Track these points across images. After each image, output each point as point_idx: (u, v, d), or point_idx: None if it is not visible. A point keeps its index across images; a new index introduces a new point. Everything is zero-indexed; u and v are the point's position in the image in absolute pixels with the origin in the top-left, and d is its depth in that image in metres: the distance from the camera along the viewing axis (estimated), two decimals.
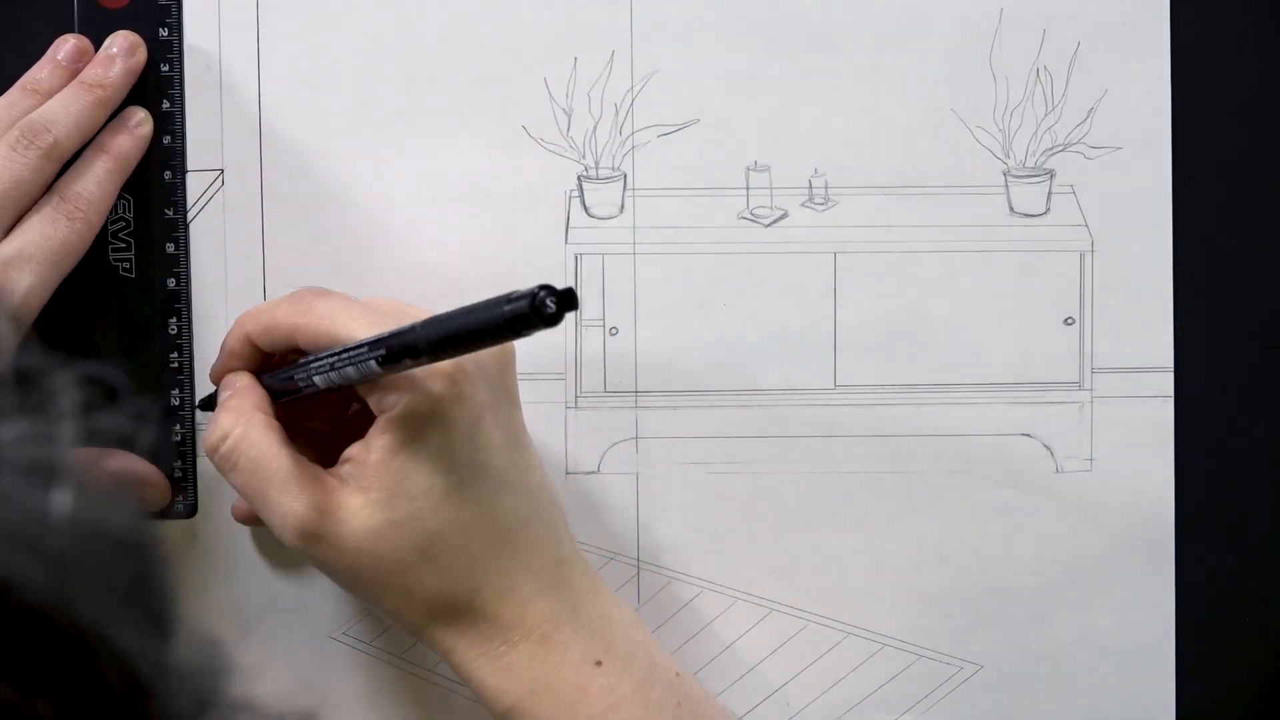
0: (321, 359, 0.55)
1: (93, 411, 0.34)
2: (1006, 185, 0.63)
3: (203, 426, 0.62)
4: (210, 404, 0.61)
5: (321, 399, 0.58)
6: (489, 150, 0.63)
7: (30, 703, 0.31)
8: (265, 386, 0.58)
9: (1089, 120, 0.63)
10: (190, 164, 0.63)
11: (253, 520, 0.61)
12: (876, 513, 0.63)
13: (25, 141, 0.57)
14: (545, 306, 0.47)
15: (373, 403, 0.54)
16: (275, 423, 0.56)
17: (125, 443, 0.37)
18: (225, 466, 0.56)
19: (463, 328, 0.49)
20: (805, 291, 0.63)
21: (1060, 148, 0.63)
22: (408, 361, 0.52)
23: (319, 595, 0.63)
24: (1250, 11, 0.63)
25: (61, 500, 0.32)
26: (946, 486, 0.63)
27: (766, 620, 0.64)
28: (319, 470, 0.55)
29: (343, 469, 0.55)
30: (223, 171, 0.63)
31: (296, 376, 0.56)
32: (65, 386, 0.34)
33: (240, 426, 0.56)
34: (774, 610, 0.64)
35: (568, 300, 0.47)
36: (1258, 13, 0.63)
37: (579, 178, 0.63)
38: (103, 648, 0.32)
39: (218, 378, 0.59)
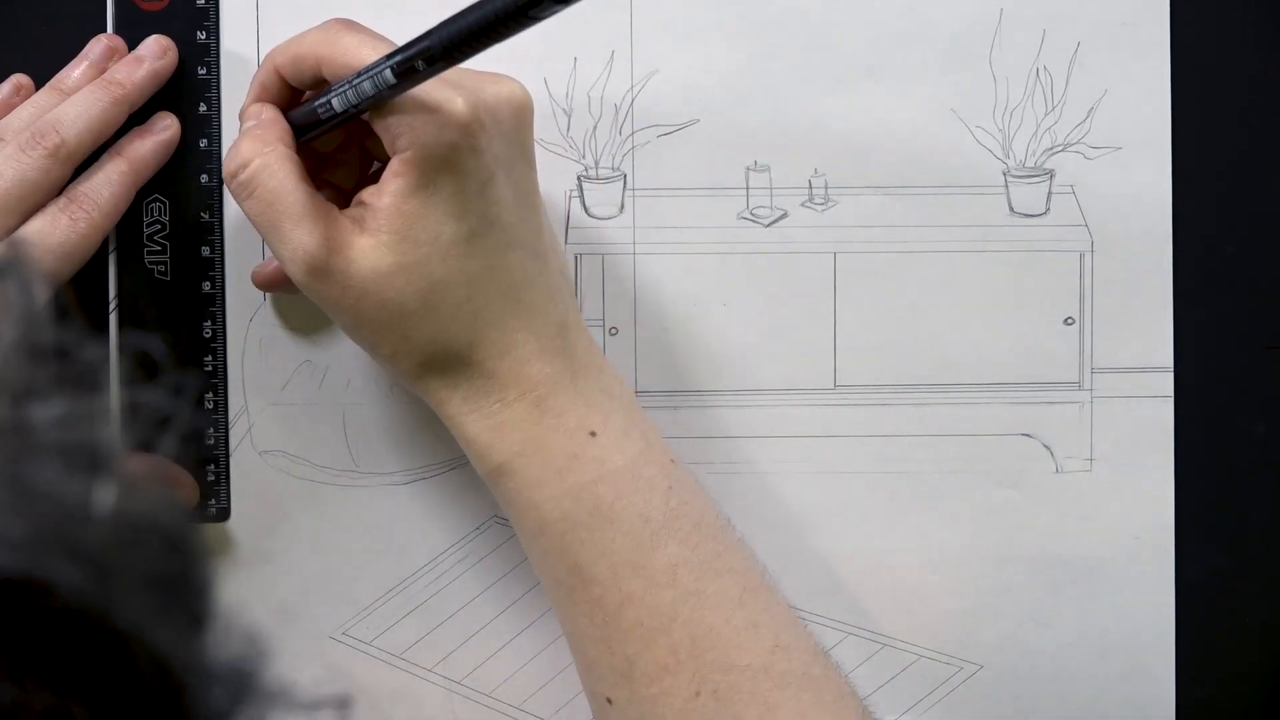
0: (342, 82, 0.54)
1: (134, 387, 0.34)
2: (1006, 185, 0.63)
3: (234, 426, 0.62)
4: None
5: (344, 155, 0.58)
6: None
7: (65, 705, 0.31)
8: (288, 121, 0.57)
9: (1089, 120, 0.63)
10: None
11: (274, 283, 0.60)
12: (876, 513, 0.63)
13: (33, 142, 0.57)
14: None
15: (387, 143, 0.54)
16: (294, 156, 0.56)
17: (166, 422, 0.36)
18: (242, 194, 0.55)
19: (477, 20, 0.49)
20: (805, 291, 0.63)
21: (1060, 148, 0.63)
22: (421, 64, 0.51)
23: (319, 595, 0.63)
24: (1250, 11, 0.63)
25: (104, 496, 0.31)
26: (946, 486, 0.63)
27: None
28: (333, 209, 0.55)
29: (354, 210, 0.55)
30: None
31: (317, 105, 0.55)
32: (103, 360, 0.33)
33: (260, 156, 0.55)
34: None
35: None
36: (1258, 13, 0.63)
37: (579, 178, 0.63)
38: (141, 648, 0.32)
39: (245, 114, 0.58)
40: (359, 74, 0.53)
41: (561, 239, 0.61)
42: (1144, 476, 0.63)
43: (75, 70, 0.60)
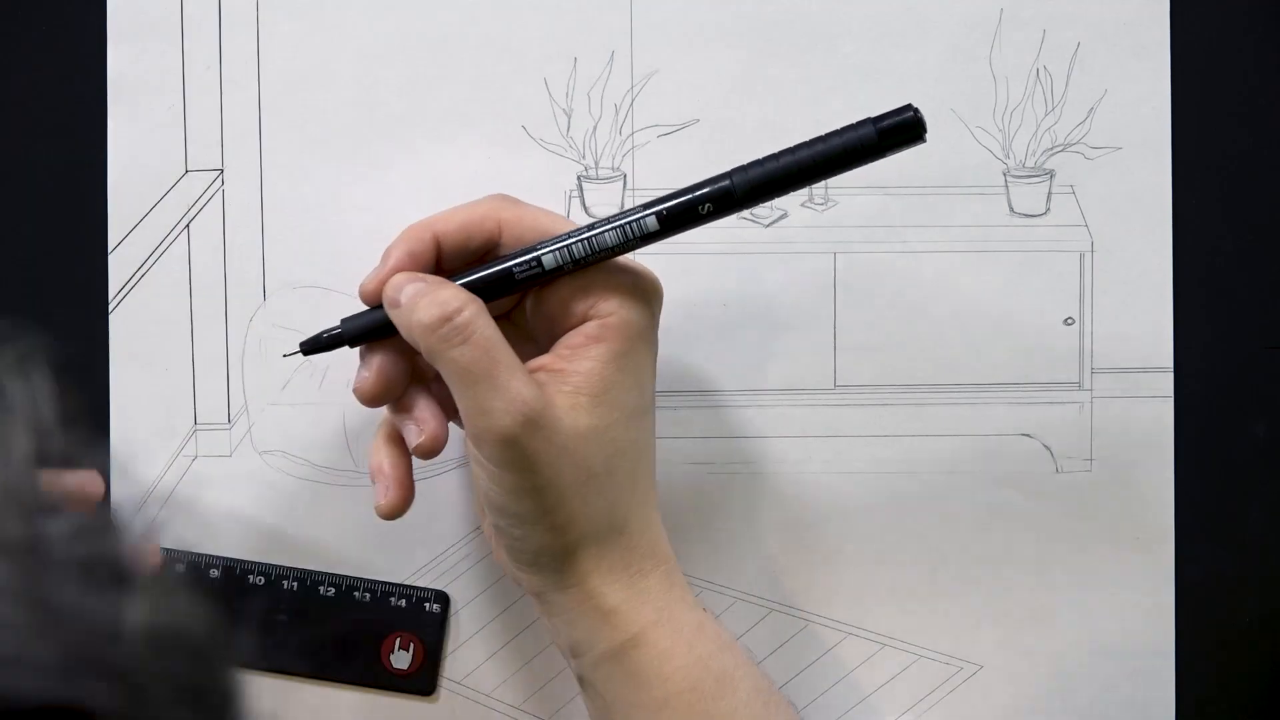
0: (569, 235, 0.54)
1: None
2: (1006, 185, 0.63)
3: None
4: (319, 345, 0.56)
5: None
6: (489, 150, 0.63)
7: None
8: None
9: (1089, 120, 0.63)
10: (190, 164, 0.63)
11: (385, 397, 0.56)
12: (876, 513, 0.63)
13: None
14: (922, 122, 0.51)
15: (578, 306, 0.54)
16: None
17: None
18: (456, 338, 0.52)
19: (824, 152, 0.52)
20: (805, 291, 0.63)
21: (1060, 148, 0.63)
22: (707, 208, 0.53)
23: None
24: (1250, 11, 0.63)
25: (131, 610, 0.31)
26: (946, 486, 0.63)
27: (766, 620, 0.64)
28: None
29: (537, 375, 0.54)
30: (223, 171, 0.63)
31: (515, 264, 0.54)
32: (105, 464, 0.33)
33: (471, 303, 0.53)
34: (774, 610, 0.64)
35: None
36: (1257, 13, 0.63)
37: (579, 178, 0.63)
38: None
39: (382, 283, 0.55)
40: (599, 223, 0.53)
41: None
42: (1144, 476, 0.63)
43: None
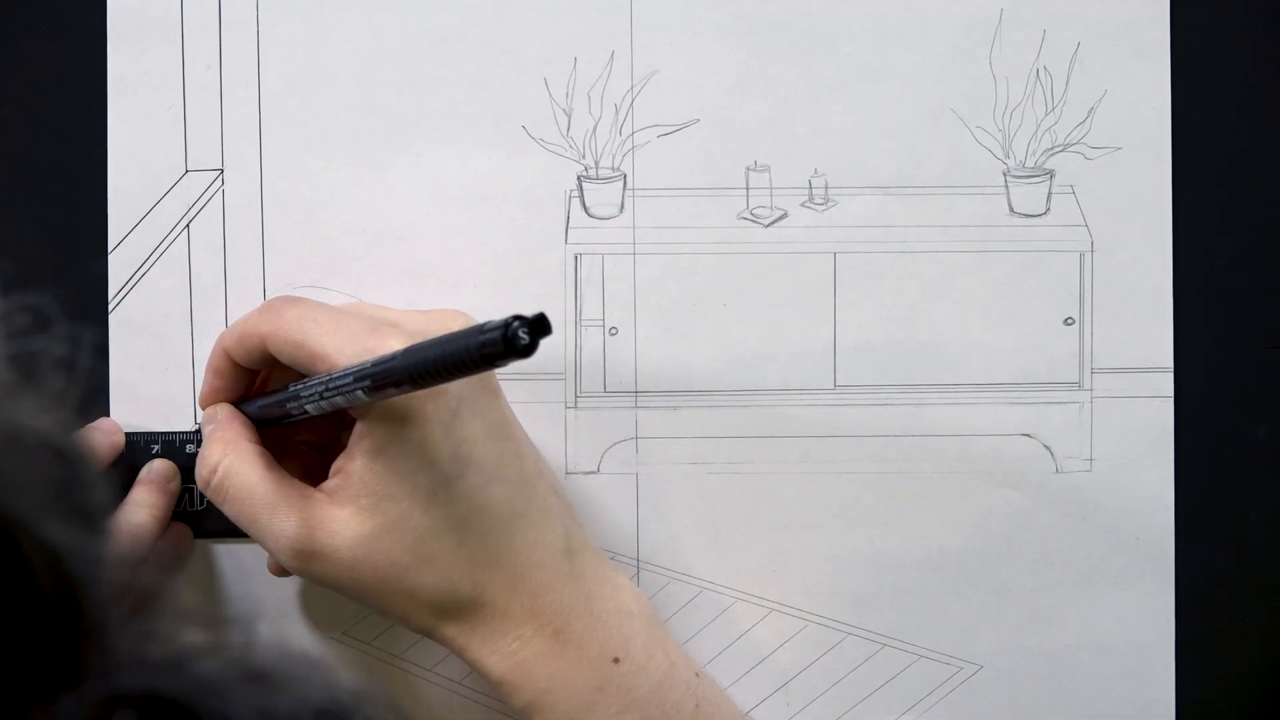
0: (311, 387, 0.54)
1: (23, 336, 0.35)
2: (1006, 185, 0.63)
3: None
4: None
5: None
6: (489, 150, 0.63)
7: None
8: (250, 415, 0.58)
9: (1089, 120, 0.63)
10: (190, 164, 0.63)
11: (283, 571, 0.60)
12: (876, 513, 0.63)
13: None
14: (518, 339, 0.47)
15: (350, 410, 0.54)
16: (260, 449, 0.57)
17: (61, 365, 0.37)
18: (218, 499, 0.56)
19: (439, 359, 0.49)
20: (805, 291, 0.63)
21: (1060, 148, 0.63)
22: (391, 390, 0.51)
23: (319, 595, 0.63)
24: (1250, 12, 0.63)
25: None
26: (946, 486, 0.63)
27: (766, 620, 0.64)
28: (306, 488, 0.56)
29: (330, 483, 0.55)
30: (223, 171, 0.63)
31: (289, 405, 0.56)
32: None
33: (226, 458, 0.56)
34: (774, 610, 0.64)
35: (540, 327, 0.47)
36: (1257, 13, 0.63)
37: (579, 178, 0.63)
38: (28, 539, 0.32)
39: (205, 403, 0.59)
40: (329, 385, 0.53)
41: (543, 458, 0.59)
42: (1144, 476, 0.63)
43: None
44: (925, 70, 0.63)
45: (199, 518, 0.62)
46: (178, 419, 0.63)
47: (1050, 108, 0.63)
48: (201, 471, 0.57)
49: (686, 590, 0.63)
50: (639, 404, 0.63)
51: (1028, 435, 0.63)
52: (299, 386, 0.56)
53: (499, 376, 0.57)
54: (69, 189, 0.63)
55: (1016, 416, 0.63)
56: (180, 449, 0.62)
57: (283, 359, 0.56)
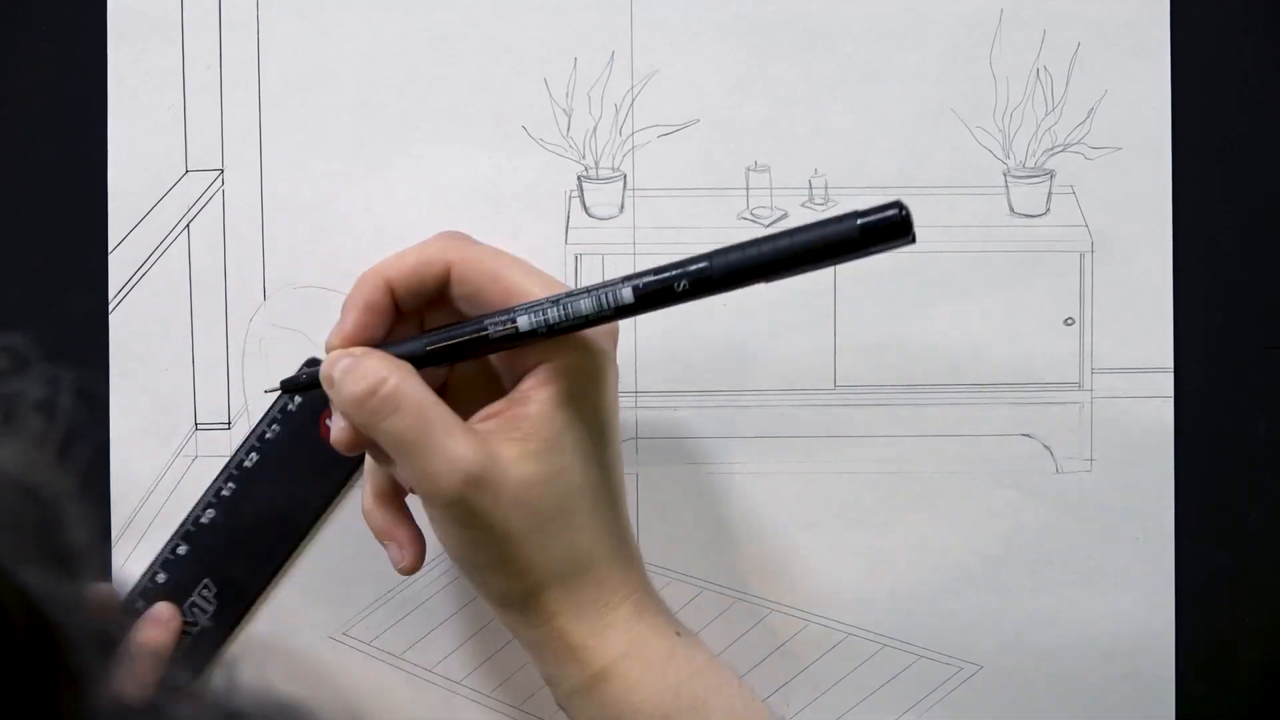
0: (531, 303, 0.53)
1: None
2: (1006, 185, 0.63)
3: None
4: (297, 385, 0.57)
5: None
6: (489, 151, 0.63)
7: None
8: (424, 353, 0.55)
9: (1089, 120, 0.63)
10: (190, 164, 0.63)
11: (363, 444, 0.55)
12: (876, 513, 0.63)
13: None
14: (906, 218, 0.48)
15: (534, 352, 0.54)
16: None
17: (40, 407, 0.36)
18: (385, 410, 0.52)
19: (807, 244, 0.50)
20: (805, 291, 0.63)
21: (1060, 148, 0.63)
22: (684, 285, 0.51)
23: (319, 595, 0.63)
24: (1250, 12, 0.63)
25: None
26: (946, 486, 0.63)
27: (766, 620, 0.64)
28: (468, 424, 0.54)
29: (489, 424, 0.54)
30: (223, 171, 0.63)
31: (489, 324, 0.53)
32: None
33: (395, 372, 0.52)
34: (774, 610, 0.64)
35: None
36: (1257, 13, 0.63)
37: (579, 178, 0.63)
38: (3, 583, 0.32)
39: (346, 343, 0.54)
40: (573, 292, 0.52)
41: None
42: (1144, 476, 0.63)
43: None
44: (925, 70, 0.63)
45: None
46: (178, 419, 0.63)
47: (1050, 108, 0.63)
48: (359, 385, 0.52)
49: (686, 590, 0.63)
50: (639, 404, 0.63)
51: (1028, 435, 0.63)
52: (493, 313, 0.53)
53: None
54: (69, 189, 0.63)
55: (1016, 416, 0.63)
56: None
57: (465, 290, 0.54)
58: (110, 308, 0.63)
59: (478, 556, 0.54)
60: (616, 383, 0.56)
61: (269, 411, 0.63)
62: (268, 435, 0.62)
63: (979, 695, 0.64)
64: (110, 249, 0.63)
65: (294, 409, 0.62)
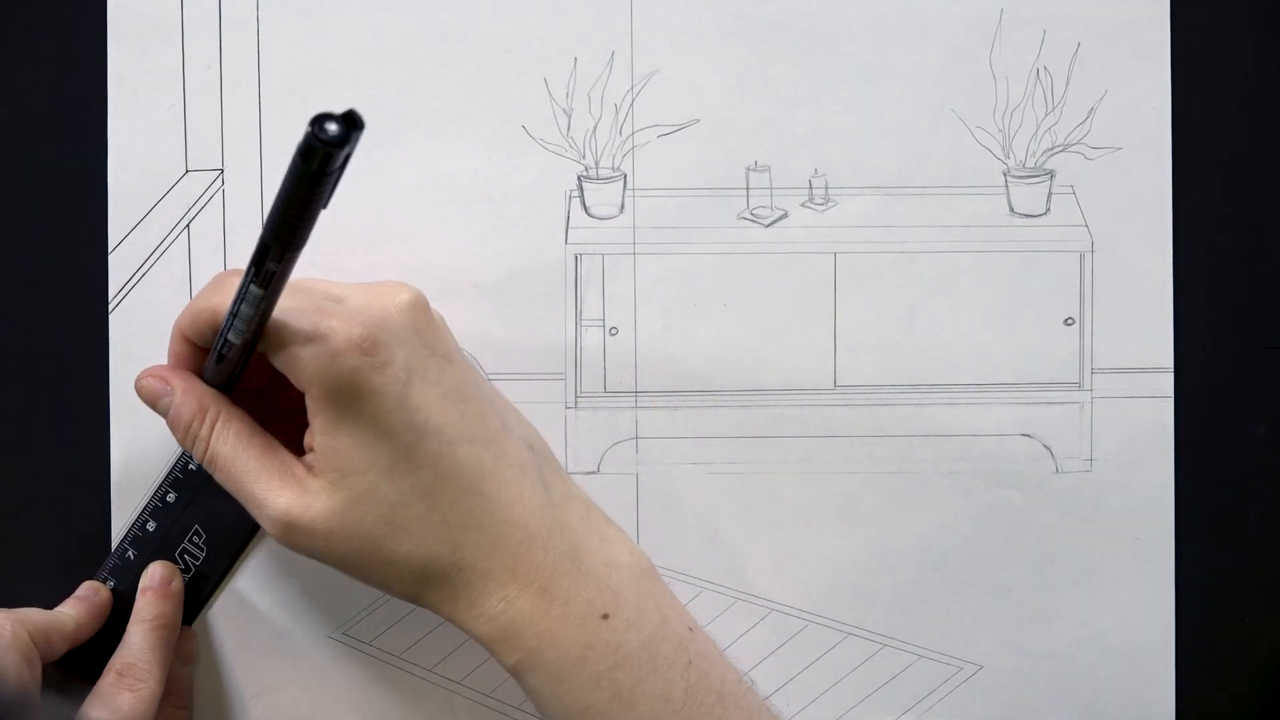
0: (227, 316, 0.54)
1: None
2: (1006, 185, 0.63)
3: None
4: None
5: (284, 382, 0.57)
6: (489, 150, 0.63)
7: None
8: (208, 381, 0.58)
9: (1089, 120, 0.63)
10: (190, 164, 0.63)
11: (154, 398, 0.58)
12: (876, 513, 0.63)
13: (121, 685, 0.59)
14: (323, 131, 0.46)
15: (295, 382, 0.54)
16: (236, 410, 0.57)
17: None
18: (207, 466, 0.57)
19: (280, 194, 0.49)
20: (805, 291, 0.63)
21: (1060, 148, 0.63)
22: (271, 265, 0.51)
23: (319, 595, 0.63)
24: (1250, 11, 0.63)
25: None
26: (946, 486, 0.63)
27: (766, 620, 0.64)
28: (289, 458, 0.56)
29: (307, 456, 0.55)
30: (223, 171, 0.63)
31: (219, 347, 0.55)
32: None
33: (206, 423, 0.56)
34: (774, 610, 0.64)
35: (351, 121, 0.46)
36: (1257, 13, 0.63)
37: (579, 178, 0.63)
38: None
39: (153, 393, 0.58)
40: (234, 301, 0.53)
41: (515, 412, 0.59)
42: (1144, 476, 0.63)
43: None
44: (925, 70, 0.63)
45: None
46: None
47: (1050, 108, 0.63)
48: (177, 429, 0.57)
49: (687, 590, 0.63)
50: (639, 404, 0.63)
51: (1028, 435, 0.63)
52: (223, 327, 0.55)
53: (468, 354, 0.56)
54: (69, 189, 0.63)
55: (1016, 416, 0.63)
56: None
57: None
58: (110, 308, 0.63)
59: (347, 574, 0.56)
60: (410, 375, 0.54)
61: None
62: None
63: (979, 695, 0.64)
64: (110, 249, 0.63)
65: None
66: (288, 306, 0.54)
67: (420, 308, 0.55)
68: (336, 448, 0.54)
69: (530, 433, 0.58)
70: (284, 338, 0.53)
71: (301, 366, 0.53)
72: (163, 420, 0.61)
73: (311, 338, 0.53)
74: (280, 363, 0.54)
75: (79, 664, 0.61)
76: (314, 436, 0.54)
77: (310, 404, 0.54)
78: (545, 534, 0.55)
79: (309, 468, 0.55)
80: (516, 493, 0.55)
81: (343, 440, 0.54)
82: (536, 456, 0.57)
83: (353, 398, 0.53)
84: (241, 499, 0.56)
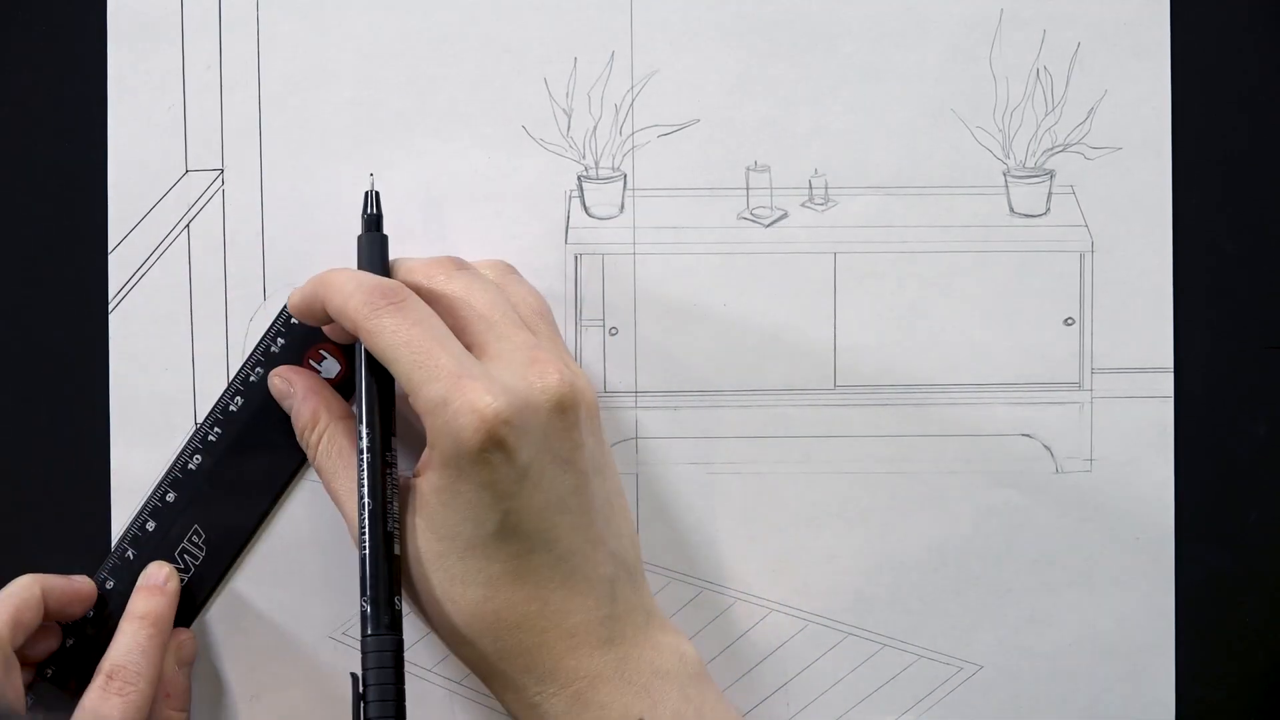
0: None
1: None
2: (1006, 185, 0.63)
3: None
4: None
5: None
6: (489, 150, 0.63)
7: None
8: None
9: (1089, 120, 0.63)
10: (190, 164, 0.63)
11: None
12: (876, 513, 0.63)
13: (110, 688, 0.59)
14: None
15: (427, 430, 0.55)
16: (347, 427, 0.59)
17: None
18: (316, 472, 0.60)
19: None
20: (805, 291, 0.63)
21: (1060, 148, 0.63)
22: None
23: (318, 595, 0.63)
24: (1250, 11, 0.63)
25: None
26: (946, 486, 0.63)
27: (766, 620, 0.64)
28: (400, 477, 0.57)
29: (415, 480, 0.56)
30: (223, 171, 0.63)
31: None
32: None
33: (314, 434, 0.60)
34: (774, 610, 0.64)
35: None
36: (1257, 13, 0.63)
37: (579, 178, 0.63)
38: None
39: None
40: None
41: (624, 519, 0.58)
42: (1144, 476, 0.63)
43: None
44: (925, 70, 0.63)
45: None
46: (178, 419, 0.63)
47: (1050, 108, 0.63)
48: (300, 440, 0.60)
49: (686, 590, 0.63)
50: (639, 404, 0.63)
51: (1028, 435, 0.63)
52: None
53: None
54: (69, 189, 0.63)
55: (1016, 416, 0.63)
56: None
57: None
58: (110, 308, 0.63)
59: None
60: (525, 477, 0.54)
61: (252, 354, 0.62)
62: (251, 378, 0.62)
63: (979, 695, 0.64)
64: (110, 249, 0.63)
65: (277, 350, 0.62)
66: (425, 355, 0.54)
67: (564, 409, 0.55)
68: (433, 504, 0.55)
69: (624, 544, 0.58)
70: (419, 394, 0.54)
71: (434, 425, 0.54)
72: (162, 420, 0.61)
73: (455, 403, 0.53)
74: (418, 411, 0.55)
75: (71, 665, 0.61)
76: (424, 475, 0.55)
77: (428, 456, 0.55)
78: (592, 646, 0.55)
79: (412, 492, 0.56)
80: (579, 603, 0.55)
81: (441, 502, 0.55)
82: (617, 568, 0.57)
83: (464, 476, 0.54)
84: (339, 510, 0.59)
